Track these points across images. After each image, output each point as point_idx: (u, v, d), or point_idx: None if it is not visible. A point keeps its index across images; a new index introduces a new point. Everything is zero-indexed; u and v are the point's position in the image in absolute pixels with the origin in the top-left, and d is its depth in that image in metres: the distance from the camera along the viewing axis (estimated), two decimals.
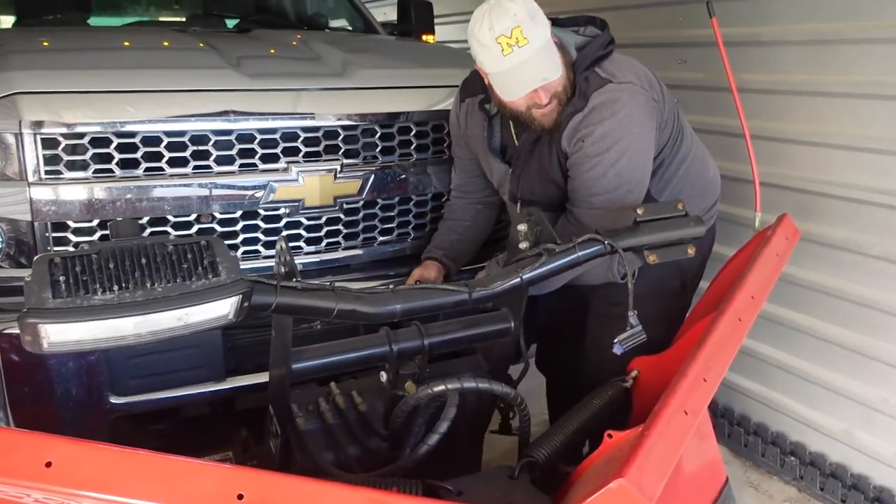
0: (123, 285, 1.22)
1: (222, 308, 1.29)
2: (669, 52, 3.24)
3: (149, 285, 1.23)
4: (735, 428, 3.16)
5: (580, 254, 1.75)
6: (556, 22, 2.14)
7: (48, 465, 1.14)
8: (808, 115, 2.76)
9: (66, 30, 3.07)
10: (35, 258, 1.23)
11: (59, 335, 1.18)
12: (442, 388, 1.60)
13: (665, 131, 2.17)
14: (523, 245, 1.84)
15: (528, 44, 1.91)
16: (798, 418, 2.92)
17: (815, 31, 2.67)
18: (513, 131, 2.25)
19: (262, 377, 2.16)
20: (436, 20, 4.11)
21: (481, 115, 2.26)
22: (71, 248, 2.07)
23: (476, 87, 2.25)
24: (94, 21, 3.60)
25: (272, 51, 2.73)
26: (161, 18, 4.01)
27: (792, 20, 2.75)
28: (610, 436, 1.56)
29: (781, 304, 2.87)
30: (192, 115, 2.13)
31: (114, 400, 2.08)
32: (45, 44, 2.54)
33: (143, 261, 1.26)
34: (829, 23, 2.62)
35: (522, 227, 1.85)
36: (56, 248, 2.07)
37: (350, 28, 3.95)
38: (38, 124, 2.00)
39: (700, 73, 3.09)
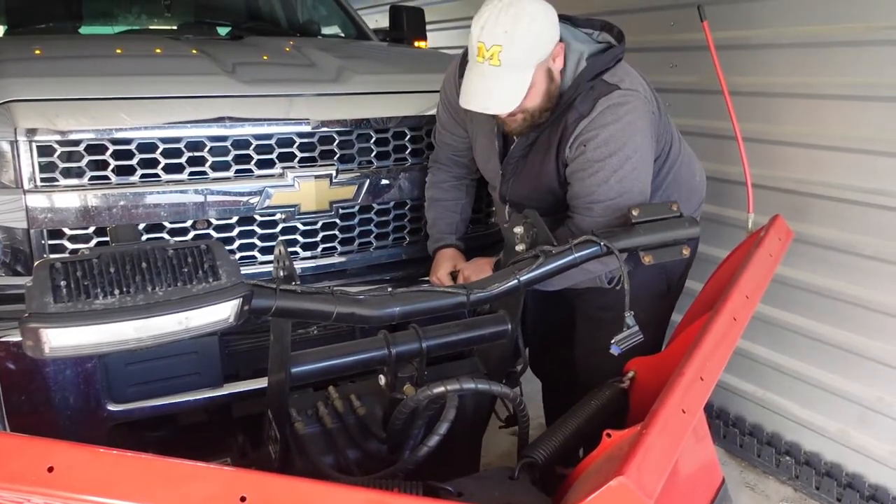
0: (124, 289, 1.22)
1: (223, 311, 1.30)
2: (661, 56, 3.26)
3: (149, 289, 1.24)
4: (731, 429, 3.18)
5: (577, 255, 1.77)
6: (573, 22, 2.11)
7: (50, 469, 1.14)
8: (799, 117, 2.78)
9: (59, 38, 3.07)
10: (36, 263, 1.23)
11: (60, 340, 1.19)
12: (441, 389, 1.61)
13: (660, 144, 2.17)
14: (520, 247, 1.86)
15: (499, 67, 1.87)
16: (793, 418, 2.94)
17: (806, 33, 2.70)
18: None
19: (259, 383, 2.18)
20: (428, 27, 4.14)
21: None
22: (69, 254, 2.07)
23: None
24: (85, 30, 3.60)
25: (266, 57, 2.74)
26: (153, 27, 4.02)
27: (783, 23, 2.77)
28: (609, 435, 1.57)
29: (775, 305, 2.89)
30: (188, 122, 2.13)
31: (111, 407, 2.08)
32: (39, 52, 2.55)
33: (144, 265, 1.26)
34: (820, 25, 2.65)
35: (519, 230, 1.86)
36: (52, 256, 2.07)
37: (342, 35, 3.96)
38: (34, 132, 1.99)
39: (692, 77, 3.11)
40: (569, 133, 2.03)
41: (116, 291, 1.22)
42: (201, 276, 1.29)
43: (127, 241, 1.34)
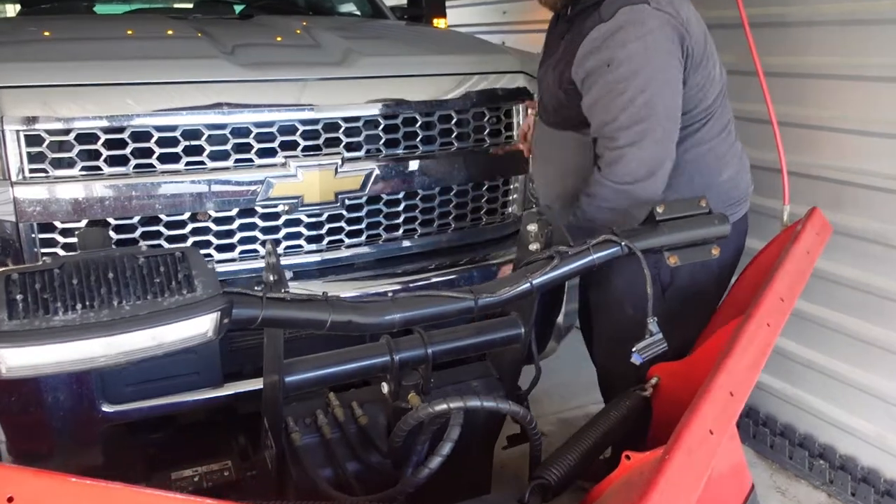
0: (88, 303, 1.11)
1: (199, 326, 1.19)
2: None
3: (115, 303, 1.12)
4: (761, 428, 3.02)
5: (595, 256, 1.63)
6: None
7: (10, 500, 1.05)
8: (840, 100, 2.59)
9: (61, 19, 2.97)
10: None
11: (16, 360, 1.08)
12: (444, 407, 1.49)
13: (693, 94, 1.98)
14: (534, 246, 1.73)
15: None
16: (828, 419, 2.78)
17: (848, 10, 2.50)
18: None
19: (262, 383, 2.07)
20: (448, 3, 3.98)
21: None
22: (56, 251, 1.98)
23: None
24: (99, 9, 3.49)
25: (270, 38, 2.59)
26: (167, 5, 3.90)
27: None
28: (628, 457, 1.44)
29: (811, 300, 2.72)
30: (183, 109, 2.00)
31: (106, 408, 1.99)
32: (33, 35, 2.44)
33: (111, 275, 1.14)
34: (863, 1, 2.45)
35: (533, 228, 1.73)
36: (43, 250, 1.98)
37: (358, 13, 3.81)
38: (21, 120, 1.88)
39: (727, 57, 2.89)
40: (584, 35, 1.92)
41: (78, 306, 1.10)
42: (174, 287, 1.17)
43: (95, 247, 1.23)
